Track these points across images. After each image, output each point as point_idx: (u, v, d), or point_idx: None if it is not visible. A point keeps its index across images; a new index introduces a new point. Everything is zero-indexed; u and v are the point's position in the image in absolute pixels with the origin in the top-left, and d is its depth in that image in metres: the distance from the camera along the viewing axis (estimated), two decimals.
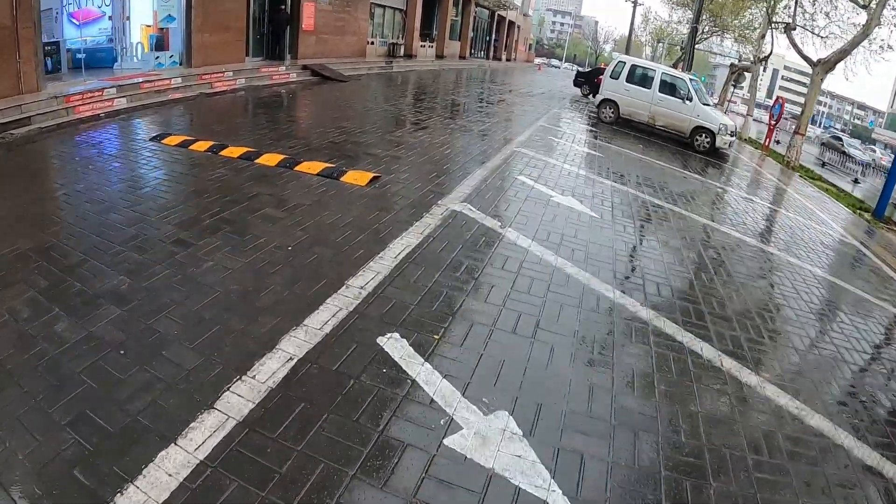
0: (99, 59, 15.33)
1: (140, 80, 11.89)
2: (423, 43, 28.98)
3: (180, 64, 14.15)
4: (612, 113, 16.89)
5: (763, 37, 26.58)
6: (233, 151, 7.44)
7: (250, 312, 3.74)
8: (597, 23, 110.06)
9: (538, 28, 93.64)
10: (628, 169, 10.46)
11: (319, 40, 19.45)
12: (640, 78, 16.64)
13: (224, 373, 3.15)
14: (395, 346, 3.54)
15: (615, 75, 16.97)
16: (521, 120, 13.68)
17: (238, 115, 10.93)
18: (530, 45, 67.76)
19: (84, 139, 8.18)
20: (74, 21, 17.18)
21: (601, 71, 26.60)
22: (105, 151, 7.64)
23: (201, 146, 7.69)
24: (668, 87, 16.03)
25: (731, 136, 16.28)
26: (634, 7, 51.53)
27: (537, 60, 68.35)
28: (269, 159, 7.20)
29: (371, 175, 6.87)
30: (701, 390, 3.69)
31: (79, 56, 15.88)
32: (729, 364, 4.08)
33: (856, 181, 23.33)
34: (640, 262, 5.82)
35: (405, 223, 5.52)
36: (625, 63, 17.07)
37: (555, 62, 77.37)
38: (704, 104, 16.05)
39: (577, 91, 27.61)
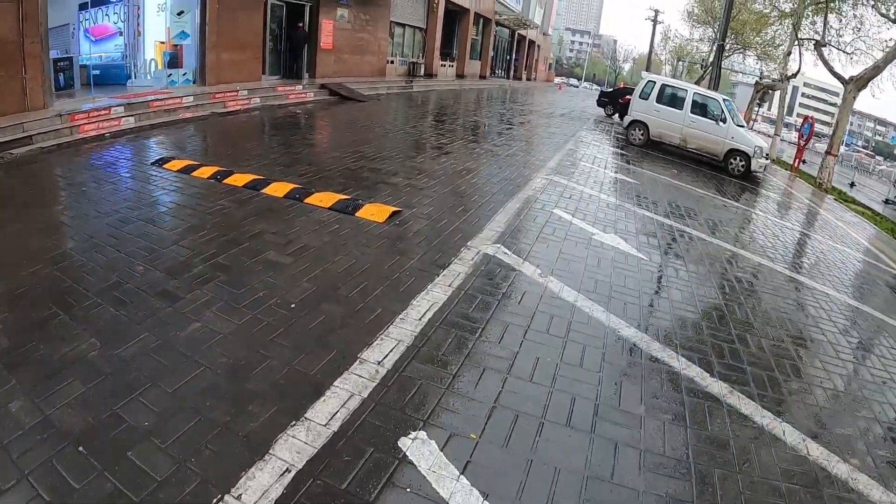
0: (113, 76, 14.86)
1: (151, 98, 11.31)
2: (443, 62, 28.44)
3: (194, 82, 13.61)
4: (642, 135, 16.06)
5: (789, 54, 25.63)
6: (238, 179, 6.72)
7: (240, 398, 2.95)
8: (615, 41, 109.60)
9: (557, 47, 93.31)
10: (666, 197, 9.62)
11: (338, 59, 18.92)
12: (671, 98, 15.82)
13: (201, 490, 2.37)
14: (421, 451, 2.73)
15: (644, 95, 16.15)
16: (548, 143, 12.90)
17: (249, 136, 10.27)
18: (550, 64, 67.33)
19: (83, 161, 7.56)
20: (90, 37, 16.82)
21: (625, 91, 25.91)
22: (101, 177, 6.96)
23: (205, 172, 6.99)
24: (701, 108, 15.20)
25: (766, 158, 15.37)
26: (654, 25, 51.03)
27: (557, 80, 67.81)
28: (278, 189, 6.46)
29: (391, 210, 6.10)
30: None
31: (94, 72, 15.51)
32: (816, 452, 3.21)
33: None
34: (697, 315, 4.95)
35: (430, 272, 4.71)
36: (655, 83, 16.24)
37: (573, 81, 76.83)
38: (738, 125, 15.18)
39: (601, 111, 26.85)
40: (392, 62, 23.72)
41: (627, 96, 21.25)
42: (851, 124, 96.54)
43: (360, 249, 5.05)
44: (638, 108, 16.16)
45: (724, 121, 14.82)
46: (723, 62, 40.74)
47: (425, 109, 17.39)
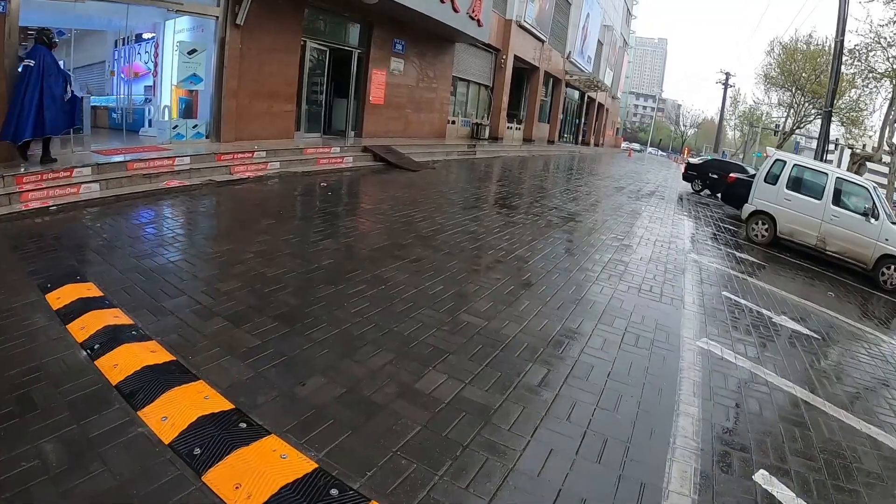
0: (132, 122, 12.28)
1: (128, 157, 8.37)
2: (509, 124, 25.28)
3: (207, 136, 10.69)
4: (766, 231, 12.02)
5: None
6: (135, 355, 3.37)
7: None
8: (679, 105, 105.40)
9: (625, 111, 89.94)
10: (806, 357, 5.68)
11: (390, 116, 15.94)
12: (805, 184, 11.81)
13: None
14: None
15: (771, 179, 12.13)
16: (666, 253, 8.39)
17: (233, 229, 6.90)
18: (617, 128, 63.80)
19: None
20: (123, 77, 14.46)
21: (721, 165, 21.94)
22: None
23: (95, 322, 3.72)
24: (844, 198, 11.20)
25: None
26: (725, 89, 46.80)
27: (624, 145, 64.06)
28: (188, 404, 3.03)
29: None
30: None
31: (113, 115, 13.04)
32: None
33: None
34: None
35: None
36: (785, 162, 12.24)
37: (636, 146, 72.86)
38: (894, 223, 11.02)
39: (684, 185, 22.95)
40: (453, 122, 20.71)
41: (733, 174, 17.32)
42: None
43: None
44: (762, 196, 12.17)
45: (876, 216, 10.75)
46: (797, 128, 36.90)
47: (492, 184, 13.76)
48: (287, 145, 11.16)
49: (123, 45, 13.62)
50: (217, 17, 10.10)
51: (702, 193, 21.38)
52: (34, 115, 7.28)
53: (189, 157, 8.88)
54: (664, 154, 76.78)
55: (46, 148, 7.73)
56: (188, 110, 11.28)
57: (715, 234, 11.68)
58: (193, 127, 10.51)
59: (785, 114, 38.20)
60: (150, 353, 3.51)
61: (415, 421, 2.99)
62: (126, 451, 2.54)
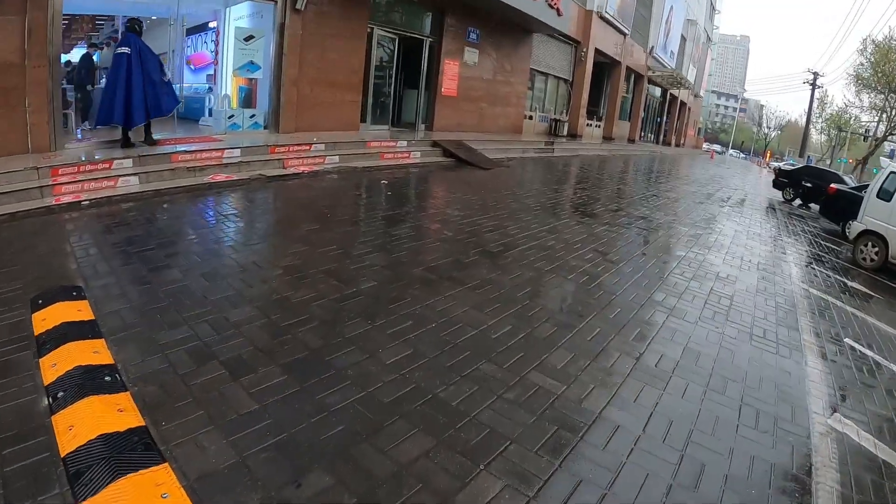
0: (194, 111, 11.89)
1: (180, 148, 7.79)
2: (589, 121, 23.62)
3: (265, 127, 10.03)
4: (877, 254, 9.96)
5: None
6: (97, 414, 2.56)
7: None
8: (762, 106, 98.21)
9: (706, 111, 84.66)
10: None
11: (463, 110, 14.88)
12: None
13: None
14: None
15: (885, 195, 10.04)
16: (772, 281, 6.65)
17: (268, 234, 6.08)
18: (699, 128, 59.85)
19: None
20: (191, 66, 14.20)
21: (815, 173, 19.55)
22: None
23: (69, 358, 2.98)
24: None
25: None
26: (812, 90, 42.32)
27: (706, 146, 60.06)
28: None
29: None
30: None
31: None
32: None
33: None
34: None
35: None
36: None
37: (717, 147, 68.23)
38: None
39: (772, 192, 20.63)
40: (530, 117, 19.39)
41: (834, 185, 15.10)
42: None
43: None
44: (874, 214, 10.07)
45: None
46: (890, 134, 33.04)
47: (572, 187, 12.32)
48: (350, 138, 10.34)
49: (188, 34, 13.31)
50: (276, 2, 9.36)
51: (794, 203, 19.11)
52: (142, 100, 7.42)
53: (239, 150, 8.19)
54: (745, 157, 71.90)
55: (148, 130, 7.84)
56: (248, 100, 10.69)
57: (818, 256, 9.85)
58: (251, 117, 9.87)
59: (877, 118, 34.62)
60: (115, 414, 2.64)
61: None
62: None
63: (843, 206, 13.00)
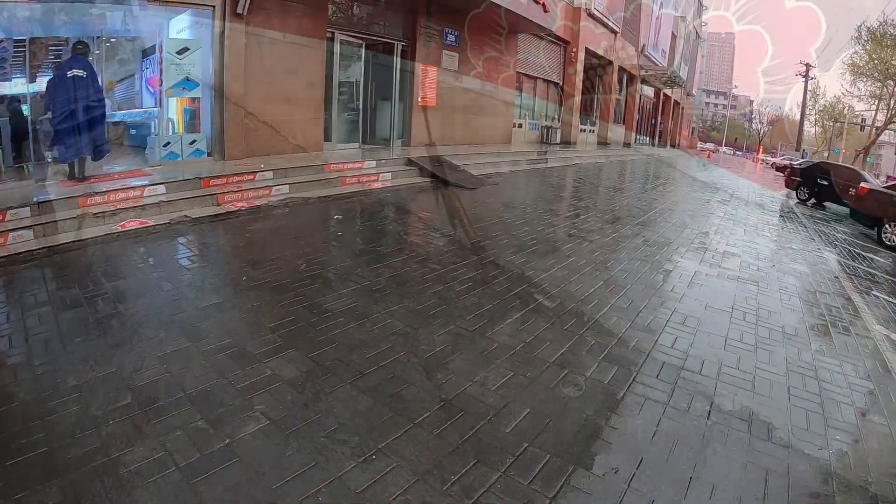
0: (142, 139, 10.29)
1: (94, 188, 6.17)
2: (583, 126, 22.00)
3: (208, 155, 8.41)
4: None
5: None
6: None
7: None
8: (752, 101, 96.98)
9: (699, 110, 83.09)
10: None
11: (444, 122, 13.25)
12: None
13: None
14: None
15: None
16: (836, 321, 5.20)
17: (145, 318, 4.38)
18: (693, 128, 58.18)
19: None
20: (150, 88, 12.57)
21: (829, 168, 17.98)
22: None
23: None
24: None
25: None
26: (805, 81, 40.69)
27: (700, 146, 58.43)
28: None
29: None
30: None
31: (132, 132, 11.16)
32: None
33: None
34: None
35: None
36: None
37: (710, 146, 66.69)
38: None
39: (778, 190, 19.08)
40: (520, 126, 17.78)
41: (864, 184, 13.50)
42: None
43: None
44: None
45: None
46: (891, 122, 31.84)
47: (565, 208, 10.09)
48: (304, 161, 8.68)
49: (144, 56, 11.67)
50: (213, 7, 7.76)
51: (808, 203, 17.55)
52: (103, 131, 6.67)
53: (164, 186, 6.55)
54: (740, 154, 70.53)
55: (82, 164, 6.71)
56: (193, 123, 9.06)
57: (871, 275, 8.15)
58: (191, 143, 8.25)
59: (874, 107, 33.48)
60: None
61: None
62: None
63: (877, 208, 11.55)
